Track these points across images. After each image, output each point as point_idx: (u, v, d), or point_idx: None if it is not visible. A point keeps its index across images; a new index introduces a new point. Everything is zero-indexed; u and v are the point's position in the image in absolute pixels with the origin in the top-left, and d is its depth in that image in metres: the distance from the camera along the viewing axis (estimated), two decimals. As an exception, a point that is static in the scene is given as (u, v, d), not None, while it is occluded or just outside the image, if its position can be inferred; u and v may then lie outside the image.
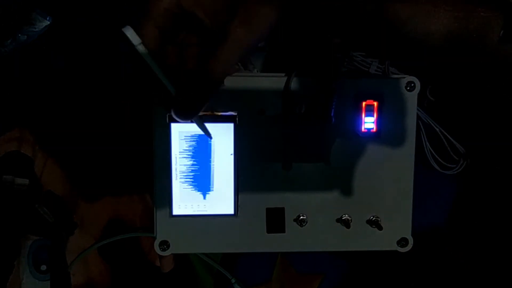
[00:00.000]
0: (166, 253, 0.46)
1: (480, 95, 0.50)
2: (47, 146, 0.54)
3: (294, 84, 0.44)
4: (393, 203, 0.46)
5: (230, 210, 0.45)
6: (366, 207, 0.46)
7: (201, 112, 0.43)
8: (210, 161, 0.44)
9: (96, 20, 0.50)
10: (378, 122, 0.44)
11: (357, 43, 0.51)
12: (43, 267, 0.55)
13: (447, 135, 0.54)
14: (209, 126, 0.40)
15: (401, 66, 0.51)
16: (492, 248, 0.55)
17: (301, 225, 0.46)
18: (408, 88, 0.45)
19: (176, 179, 0.44)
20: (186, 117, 0.33)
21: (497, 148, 0.53)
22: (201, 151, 0.44)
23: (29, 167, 0.54)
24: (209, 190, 0.45)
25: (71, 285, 0.55)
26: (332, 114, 0.43)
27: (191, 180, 0.45)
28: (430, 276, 0.57)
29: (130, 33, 0.31)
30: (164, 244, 0.46)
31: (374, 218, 0.46)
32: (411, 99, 0.45)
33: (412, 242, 0.46)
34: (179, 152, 0.44)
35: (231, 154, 0.44)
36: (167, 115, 0.43)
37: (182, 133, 0.44)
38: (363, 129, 0.44)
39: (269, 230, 0.46)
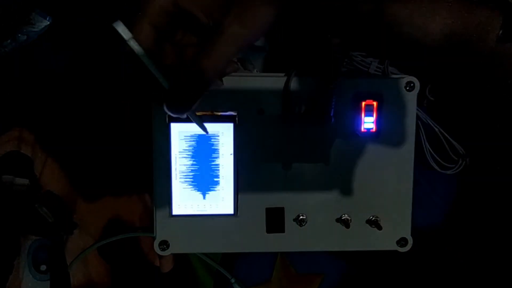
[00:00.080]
0: (166, 253, 0.46)
1: (480, 95, 0.50)
2: (47, 146, 0.54)
3: (293, 84, 0.44)
4: (392, 203, 0.46)
5: (230, 210, 0.45)
6: (366, 207, 0.46)
7: (201, 112, 0.44)
8: (210, 161, 0.45)
9: (96, 20, 0.50)
10: (378, 122, 0.44)
11: (356, 43, 0.51)
12: (43, 267, 0.55)
13: (447, 135, 0.54)
14: (209, 126, 0.40)
15: (400, 66, 0.51)
16: (492, 248, 0.55)
17: (300, 225, 0.46)
18: (407, 88, 0.45)
19: (176, 179, 0.44)
20: (178, 111, 0.33)
21: (496, 148, 0.53)
22: (201, 151, 0.44)
23: (29, 167, 0.54)
24: (208, 190, 0.45)
25: (71, 285, 0.55)
26: (331, 114, 0.43)
27: (191, 180, 0.45)
28: (430, 276, 0.57)
29: (121, 28, 0.30)
30: (164, 244, 0.46)
31: (373, 218, 0.46)
32: (411, 99, 0.45)
33: (411, 242, 0.46)
34: (179, 152, 0.44)
35: (231, 154, 0.44)
36: (167, 115, 0.43)
37: (182, 133, 0.44)
38: (362, 129, 0.44)
39: (268, 230, 0.46)
